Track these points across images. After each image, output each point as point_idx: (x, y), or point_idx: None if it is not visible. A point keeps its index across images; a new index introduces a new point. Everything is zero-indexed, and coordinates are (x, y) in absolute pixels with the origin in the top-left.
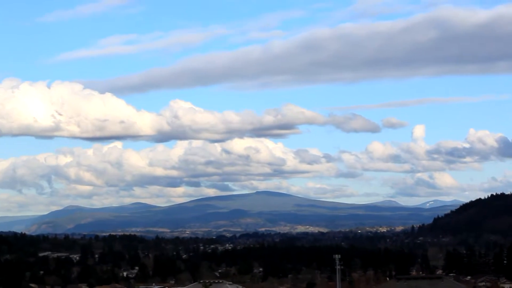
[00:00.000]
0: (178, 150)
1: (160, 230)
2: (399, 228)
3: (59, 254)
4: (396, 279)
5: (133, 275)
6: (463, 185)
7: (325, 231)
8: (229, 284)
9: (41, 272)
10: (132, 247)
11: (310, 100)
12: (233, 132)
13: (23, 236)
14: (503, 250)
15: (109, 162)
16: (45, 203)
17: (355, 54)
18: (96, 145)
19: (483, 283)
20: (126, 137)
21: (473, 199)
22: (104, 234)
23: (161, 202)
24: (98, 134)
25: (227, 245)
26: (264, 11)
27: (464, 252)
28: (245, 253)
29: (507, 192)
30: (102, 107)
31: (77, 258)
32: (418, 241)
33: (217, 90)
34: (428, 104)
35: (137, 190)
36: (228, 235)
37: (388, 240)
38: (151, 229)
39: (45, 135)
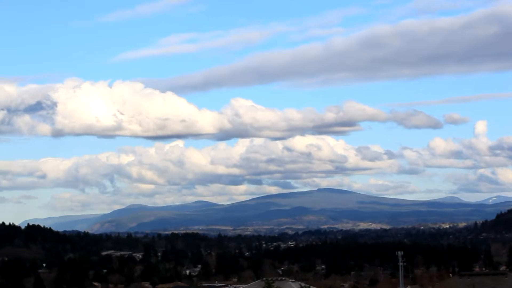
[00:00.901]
0: (239, 148)
1: (223, 228)
2: (461, 225)
3: (122, 253)
4: (459, 276)
5: (196, 273)
6: None
7: (387, 228)
8: (291, 281)
9: (104, 270)
10: (194, 245)
11: (371, 96)
12: (294, 130)
13: (86, 235)
14: None
15: (171, 160)
16: (108, 202)
17: (416, 50)
18: (158, 144)
19: None
20: (188, 135)
21: None
22: (166, 232)
23: (223, 200)
24: (159, 133)
25: (289, 243)
26: (325, 8)
27: None
28: (307, 250)
29: None
30: (163, 106)
31: (140, 256)
32: (481, 237)
33: (278, 87)
34: (490, 99)
35: (199, 189)
36: (290, 232)
37: (451, 236)
38: (213, 227)
39: (107, 135)
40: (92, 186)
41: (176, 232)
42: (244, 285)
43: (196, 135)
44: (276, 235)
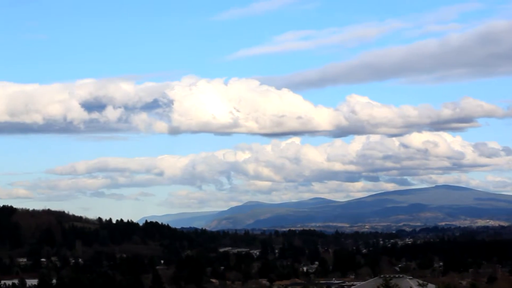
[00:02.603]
0: (355, 145)
1: (340, 225)
2: None
3: (239, 250)
4: None
5: (313, 270)
6: None
7: (505, 225)
8: (409, 278)
9: (222, 267)
10: (311, 242)
11: (489, 92)
12: (411, 126)
13: (203, 232)
14: None
15: (287, 157)
16: (225, 199)
17: None
18: (274, 141)
19: None
20: (304, 132)
21: None
22: (283, 229)
23: (340, 197)
24: (276, 130)
25: (407, 240)
26: (441, 4)
27: None
28: (425, 247)
29: None
30: (279, 103)
31: (257, 253)
32: None
33: (394, 84)
34: None
35: (316, 185)
36: (407, 229)
37: None
38: (330, 224)
39: (223, 132)
40: (209, 183)
41: (293, 229)
42: (362, 282)
43: (312, 132)
44: (394, 232)
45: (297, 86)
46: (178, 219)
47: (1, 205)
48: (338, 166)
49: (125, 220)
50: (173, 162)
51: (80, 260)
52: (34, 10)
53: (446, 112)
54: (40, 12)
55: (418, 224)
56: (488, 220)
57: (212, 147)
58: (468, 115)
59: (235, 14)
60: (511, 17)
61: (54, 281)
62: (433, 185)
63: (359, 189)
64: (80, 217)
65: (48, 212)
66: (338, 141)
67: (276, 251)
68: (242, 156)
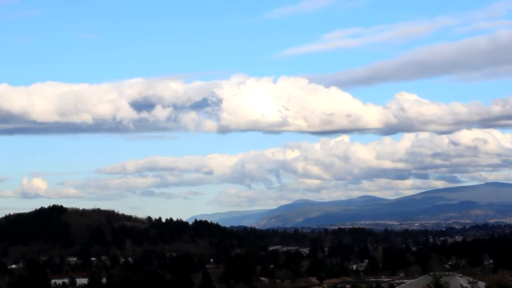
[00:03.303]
0: (405, 142)
1: (389, 222)
2: None
3: (289, 248)
4: None
5: (363, 268)
6: None
7: None
8: (459, 276)
9: (271, 265)
10: (361, 240)
11: None
12: (460, 124)
13: (253, 230)
14: None
15: (336, 155)
16: (274, 197)
17: None
18: (323, 139)
19: None
20: (353, 130)
21: None
22: (333, 227)
23: (389, 195)
24: (325, 128)
25: (456, 237)
26: (490, 0)
27: None
28: (475, 245)
29: None
30: (328, 101)
31: (307, 251)
32: None
33: (443, 81)
34: None
35: (365, 183)
36: (457, 227)
37: None
38: (379, 222)
39: (272, 130)
40: (258, 181)
41: (342, 227)
42: (411, 280)
43: (361, 130)
44: (443, 229)
45: (345, 84)
46: (227, 217)
47: (52, 205)
48: (387, 164)
49: (175, 219)
50: (222, 161)
51: (130, 259)
52: (84, 11)
53: (496, 109)
54: (90, 12)
55: (468, 221)
56: None
57: (261, 146)
58: None
59: (284, 12)
60: None
61: (104, 280)
62: (483, 183)
63: (408, 187)
64: (130, 216)
65: (98, 212)
66: (387, 139)
67: (326, 249)
68: (291, 155)
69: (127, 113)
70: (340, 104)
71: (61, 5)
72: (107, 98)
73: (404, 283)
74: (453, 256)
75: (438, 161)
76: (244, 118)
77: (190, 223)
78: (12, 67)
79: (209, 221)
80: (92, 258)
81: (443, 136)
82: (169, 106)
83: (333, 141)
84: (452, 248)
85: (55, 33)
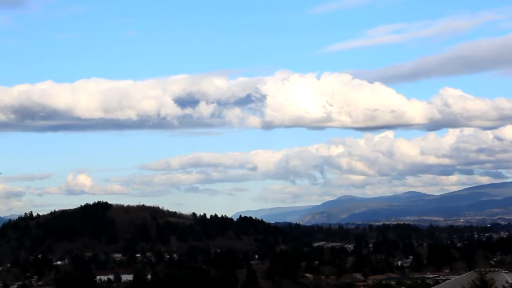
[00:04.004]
0: (449, 138)
1: (434, 218)
2: None
3: (334, 244)
4: None
5: (407, 264)
6: None
7: None
8: (505, 272)
9: (316, 262)
10: (406, 236)
11: None
12: (505, 119)
13: (297, 226)
14: None
15: (381, 151)
16: (318, 193)
17: None
18: (367, 134)
19: None
20: (397, 126)
21: None
22: (377, 223)
23: (434, 191)
24: (369, 124)
25: (502, 233)
26: None
27: None
28: None
29: None
30: (372, 96)
31: (351, 247)
32: None
33: (488, 76)
34: None
35: (410, 179)
36: (503, 223)
37: None
38: (424, 217)
39: (316, 126)
40: (303, 177)
41: (387, 223)
42: (456, 276)
43: (406, 126)
44: (488, 225)
45: (389, 80)
46: (272, 213)
47: (97, 201)
48: (431, 160)
49: (219, 215)
50: (267, 157)
51: (174, 255)
52: (128, 7)
53: None
54: (134, 9)
55: None
56: None
57: (305, 142)
58: None
59: (328, 8)
60: None
61: (149, 276)
62: None
63: (453, 183)
64: (175, 213)
65: (142, 208)
66: (432, 135)
67: (370, 245)
68: (336, 150)
69: (171, 110)
70: (384, 99)
71: (106, 1)
72: (151, 94)
73: (449, 279)
74: (498, 252)
75: (483, 157)
76: (288, 114)
77: (235, 219)
78: (57, 64)
79: (254, 217)
80: (137, 255)
81: (488, 131)
82: (213, 102)
83: (377, 136)
84: (497, 244)
85: (100, 30)
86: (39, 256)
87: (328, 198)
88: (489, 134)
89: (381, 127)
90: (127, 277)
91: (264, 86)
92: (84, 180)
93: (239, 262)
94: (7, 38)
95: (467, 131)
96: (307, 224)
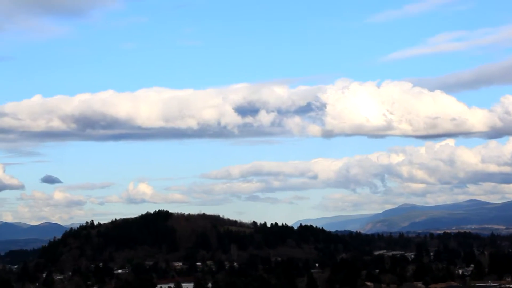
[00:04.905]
0: (511, 146)
1: (495, 227)
2: None
3: (394, 252)
4: None
5: (469, 273)
6: None
7: None
8: None
9: (377, 270)
10: (467, 244)
11: None
12: None
13: (358, 235)
14: None
15: (442, 159)
16: (379, 202)
17: None
18: (428, 143)
19: None
20: (458, 134)
21: None
22: (438, 231)
23: (495, 199)
24: (430, 132)
25: None
26: None
27: None
28: None
29: None
30: (433, 105)
31: (412, 256)
32: None
33: None
34: None
35: (471, 187)
36: None
37: None
38: (486, 226)
39: (377, 134)
40: (363, 186)
41: (448, 231)
42: None
43: (467, 134)
44: None
45: (450, 88)
46: (333, 222)
47: (157, 210)
48: (493, 168)
49: (280, 224)
50: (327, 165)
51: (235, 263)
52: (189, 18)
53: None
54: (195, 19)
55: None
56: None
57: (365, 150)
58: None
59: (388, 16)
60: None
61: (209, 285)
62: None
63: None
64: (235, 221)
65: (203, 217)
66: (493, 142)
67: (431, 253)
68: (396, 159)
69: (232, 118)
70: (445, 107)
71: (167, 12)
72: (212, 103)
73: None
74: None
75: None
76: (348, 123)
77: (295, 227)
78: (118, 73)
79: (314, 226)
80: (198, 263)
81: None
82: (273, 111)
83: (438, 145)
84: None
85: (161, 39)
86: (100, 264)
87: (388, 207)
88: None
89: (442, 135)
90: (187, 286)
91: (324, 95)
92: (145, 189)
93: (299, 271)
94: (69, 47)
95: None
96: (368, 233)
